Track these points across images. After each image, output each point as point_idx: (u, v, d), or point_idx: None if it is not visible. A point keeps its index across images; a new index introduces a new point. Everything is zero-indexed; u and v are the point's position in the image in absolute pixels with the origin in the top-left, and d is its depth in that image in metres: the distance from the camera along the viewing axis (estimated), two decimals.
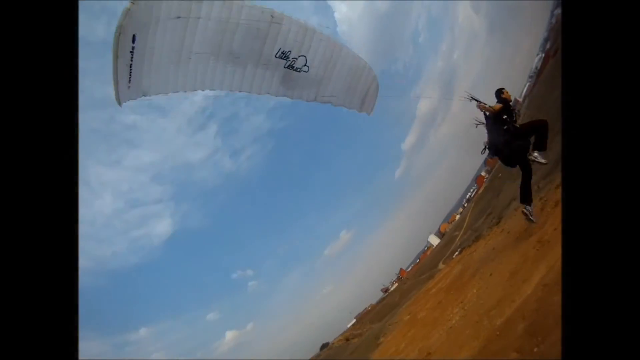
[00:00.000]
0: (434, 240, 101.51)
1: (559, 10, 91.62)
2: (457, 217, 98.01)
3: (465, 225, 67.48)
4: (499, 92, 7.39)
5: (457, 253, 36.81)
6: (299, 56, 6.47)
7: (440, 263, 46.36)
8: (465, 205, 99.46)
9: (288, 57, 6.35)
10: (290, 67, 6.48)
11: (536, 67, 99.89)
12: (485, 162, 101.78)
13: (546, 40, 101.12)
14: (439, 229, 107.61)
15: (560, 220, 8.51)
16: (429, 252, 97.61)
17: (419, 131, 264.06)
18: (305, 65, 6.57)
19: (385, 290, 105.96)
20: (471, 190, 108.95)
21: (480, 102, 7.24)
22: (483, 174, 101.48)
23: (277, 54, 6.30)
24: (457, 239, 61.20)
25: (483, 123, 7.76)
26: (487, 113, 7.19)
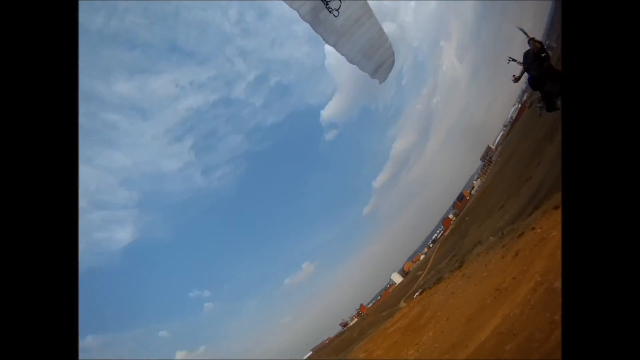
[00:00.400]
0: (397, 279, 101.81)
1: None
2: (422, 257, 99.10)
3: (429, 266, 68.09)
4: (532, 39, 8.03)
5: (417, 293, 36.93)
6: None
7: (402, 301, 46.26)
8: (431, 245, 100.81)
9: None
10: (325, 2, 6.49)
11: (511, 117, 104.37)
12: (454, 205, 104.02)
13: (524, 91, 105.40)
14: (402, 267, 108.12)
15: (519, 270, 8.68)
16: (391, 290, 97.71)
17: (391, 170, 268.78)
18: (337, 10, 6.58)
19: (345, 324, 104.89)
20: (437, 231, 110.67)
21: (530, 37, 7.99)
22: (450, 216, 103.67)
23: None
24: (420, 279, 61.53)
25: (515, 60, 8.37)
26: (531, 47, 7.93)
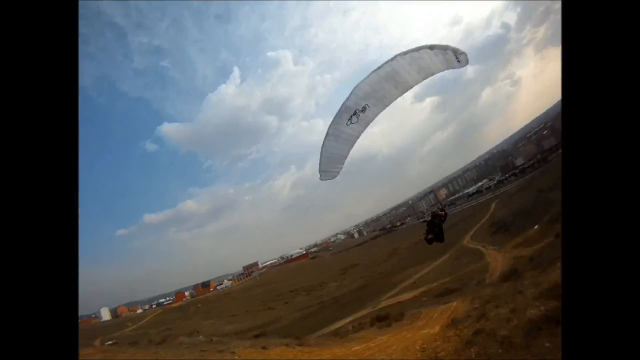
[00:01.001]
0: (106, 315, 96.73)
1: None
2: (139, 311, 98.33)
3: (140, 324, 68.62)
4: (435, 212, 10.19)
5: (111, 342, 35.77)
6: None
7: (97, 340, 42.66)
8: (154, 307, 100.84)
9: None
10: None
11: (291, 255, 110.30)
12: (195, 287, 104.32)
13: (316, 245, 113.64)
14: (117, 308, 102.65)
15: None
16: (93, 321, 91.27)
17: (166, 218, 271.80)
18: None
19: None
20: (167, 298, 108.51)
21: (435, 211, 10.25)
22: (187, 293, 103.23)
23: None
24: (127, 330, 62.12)
25: (424, 215, 11.88)
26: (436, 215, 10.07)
